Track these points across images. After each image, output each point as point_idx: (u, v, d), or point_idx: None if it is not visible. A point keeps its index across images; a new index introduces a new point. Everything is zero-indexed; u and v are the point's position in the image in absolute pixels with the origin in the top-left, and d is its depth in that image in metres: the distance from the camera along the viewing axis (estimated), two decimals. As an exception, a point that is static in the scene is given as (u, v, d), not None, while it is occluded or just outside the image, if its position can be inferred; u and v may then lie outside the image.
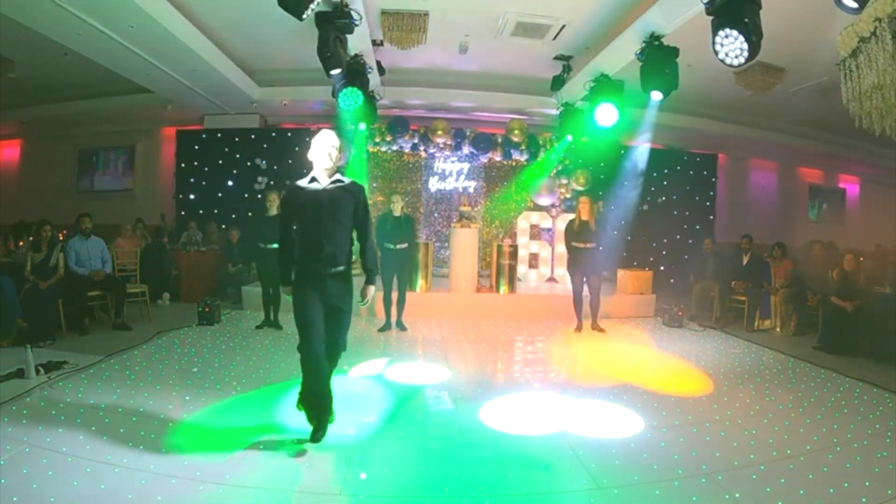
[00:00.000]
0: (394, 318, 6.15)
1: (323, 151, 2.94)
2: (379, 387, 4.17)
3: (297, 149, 9.29)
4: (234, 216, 8.97)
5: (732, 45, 4.13)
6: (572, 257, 6.23)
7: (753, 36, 3.98)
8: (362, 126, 8.22)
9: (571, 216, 8.66)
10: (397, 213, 6.02)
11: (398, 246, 5.93)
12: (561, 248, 8.61)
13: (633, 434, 3.33)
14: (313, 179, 2.98)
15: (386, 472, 2.75)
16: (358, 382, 4.24)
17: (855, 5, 3.34)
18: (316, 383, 2.97)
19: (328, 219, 2.91)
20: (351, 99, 6.23)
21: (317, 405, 3.00)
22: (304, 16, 4.30)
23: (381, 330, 6.00)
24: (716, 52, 4.23)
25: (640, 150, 9.10)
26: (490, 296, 7.39)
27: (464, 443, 3.18)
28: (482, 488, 2.60)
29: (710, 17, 4.20)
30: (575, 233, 6.19)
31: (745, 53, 4.07)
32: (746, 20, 3.96)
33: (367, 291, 3.12)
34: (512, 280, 7.42)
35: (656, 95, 5.58)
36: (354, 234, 3.09)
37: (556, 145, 8.98)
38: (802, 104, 7.85)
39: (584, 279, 6.17)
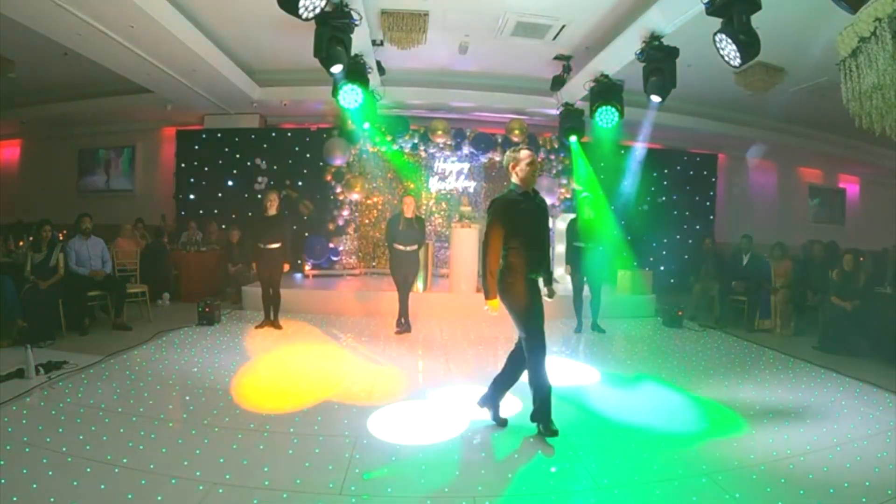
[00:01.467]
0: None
1: (532, 170, 3.19)
2: (382, 387, 4.17)
3: (296, 149, 9.31)
4: (234, 216, 8.96)
5: (728, 48, 4.17)
6: (574, 257, 6.21)
7: (741, 34, 4.01)
8: (367, 125, 8.24)
9: (571, 216, 8.72)
10: (409, 214, 5.87)
11: (409, 248, 5.89)
12: (561, 248, 8.60)
13: (633, 434, 3.34)
14: (524, 195, 3.20)
15: (386, 472, 2.75)
16: (363, 383, 4.24)
17: (849, 5, 3.36)
18: (546, 379, 3.15)
19: (545, 230, 3.30)
20: (351, 97, 6.23)
21: (547, 399, 3.17)
22: (305, 16, 4.28)
23: (400, 332, 5.96)
24: (721, 56, 4.27)
25: (638, 150, 9.09)
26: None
27: (464, 442, 3.18)
28: (482, 488, 2.61)
29: (715, 18, 4.22)
30: (577, 232, 6.19)
31: (738, 54, 4.10)
32: (733, 21, 4.00)
33: (554, 291, 3.42)
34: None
35: (655, 98, 5.60)
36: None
37: (570, 148, 8.96)
38: (802, 104, 7.85)
39: (585, 279, 6.17)
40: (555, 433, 3.11)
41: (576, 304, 6.28)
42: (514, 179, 3.23)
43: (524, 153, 3.21)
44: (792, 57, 6.13)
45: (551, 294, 3.36)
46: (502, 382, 3.34)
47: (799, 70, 6.52)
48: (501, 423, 3.34)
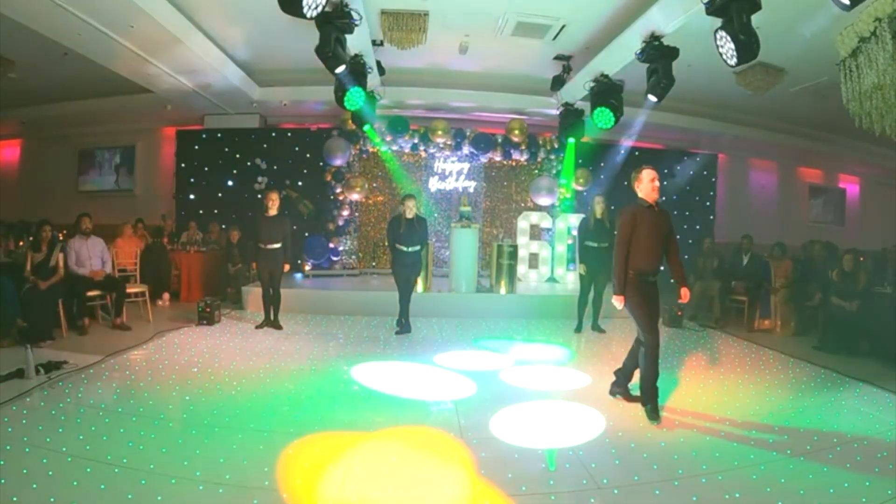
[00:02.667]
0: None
1: (652, 187, 3.62)
2: (382, 388, 4.17)
3: (296, 149, 9.32)
4: (234, 216, 8.97)
5: (727, 47, 4.16)
6: (585, 256, 6.19)
7: (741, 34, 4.01)
8: (377, 125, 8.25)
9: (572, 216, 8.71)
10: (409, 215, 5.88)
11: (410, 248, 5.89)
12: (561, 248, 8.60)
13: (633, 433, 3.34)
14: (648, 207, 3.64)
15: (386, 472, 2.75)
16: (363, 382, 4.24)
17: (846, 2, 3.35)
18: (654, 369, 3.59)
19: (664, 239, 3.67)
20: (354, 99, 6.23)
21: (653, 386, 3.60)
22: (309, 14, 4.27)
23: (400, 333, 5.95)
24: (720, 54, 4.26)
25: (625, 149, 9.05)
26: (490, 296, 7.39)
27: (465, 442, 3.18)
28: (482, 488, 2.60)
29: (713, 18, 4.22)
30: (590, 231, 6.16)
31: (737, 54, 4.10)
32: (733, 20, 4.00)
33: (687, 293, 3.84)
34: (512, 280, 7.42)
35: (652, 98, 5.60)
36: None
37: (566, 147, 8.99)
38: (802, 104, 7.85)
39: (592, 278, 6.13)
40: (655, 418, 3.52)
41: (580, 304, 6.25)
42: (640, 193, 3.67)
43: (645, 172, 3.66)
44: (792, 57, 6.13)
45: (685, 295, 3.77)
46: (624, 371, 3.88)
47: (799, 70, 6.52)
48: (634, 399, 3.78)
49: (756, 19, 4.07)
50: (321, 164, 8.90)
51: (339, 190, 8.89)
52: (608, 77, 6.52)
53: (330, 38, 4.93)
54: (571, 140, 8.43)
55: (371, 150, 9.05)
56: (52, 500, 2.33)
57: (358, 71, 6.20)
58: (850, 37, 3.70)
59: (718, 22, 4.22)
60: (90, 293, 5.78)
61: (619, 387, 3.92)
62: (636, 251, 3.60)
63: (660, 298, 3.70)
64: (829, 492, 2.61)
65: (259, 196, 8.66)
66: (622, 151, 9.44)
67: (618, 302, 3.62)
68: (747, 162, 11.06)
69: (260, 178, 9.26)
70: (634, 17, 5.34)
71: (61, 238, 6.48)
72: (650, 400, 3.58)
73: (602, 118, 6.46)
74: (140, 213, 8.98)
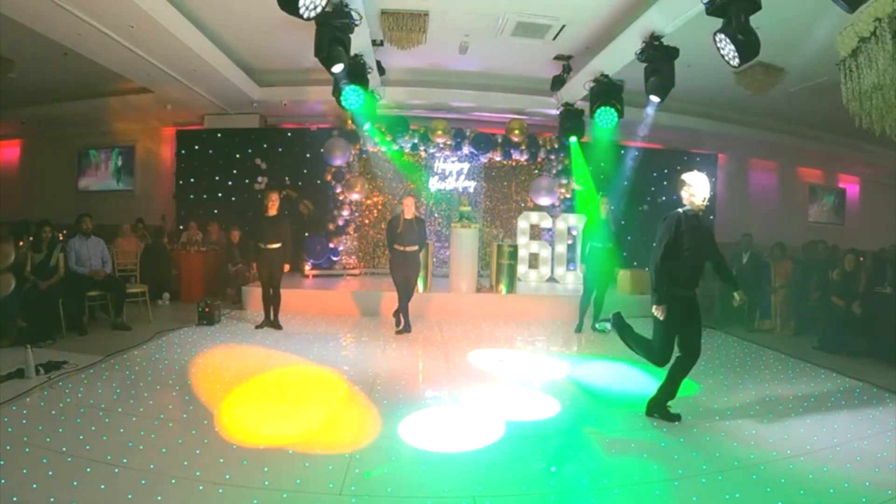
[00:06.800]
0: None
1: (705, 192, 3.50)
2: (382, 387, 4.16)
3: (296, 149, 9.31)
4: (234, 216, 8.96)
5: (728, 48, 4.17)
6: (589, 257, 6.18)
7: (739, 34, 4.00)
8: (367, 125, 8.23)
9: (571, 216, 8.72)
10: (408, 215, 5.85)
11: (409, 249, 5.86)
12: (561, 248, 8.60)
13: (633, 433, 3.33)
14: (694, 213, 3.49)
15: (386, 472, 2.75)
16: (363, 383, 4.23)
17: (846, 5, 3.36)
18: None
19: (707, 249, 3.56)
20: (352, 97, 6.22)
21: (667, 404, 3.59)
22: (307, 15, 4.27)
23: (400, 332, 5.93)
24: (722, 56, 4.26)
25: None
26: (490, 296, 7.38)
27: (465, 442, 3.18)
28: (482, 488, 2.61)
29: (713, 18, 4.21)
30: (593, 232, 6.16)
31: (738, 54, 4.10)
32: (732, 21, 4.00)
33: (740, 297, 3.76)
34: (512, 280, 7.42)
35: (655, 99, 5.59)
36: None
37: (570, 147, 8.97)
38: (802, 104, 7.85)
39: (596, 279, 6.12)
40: (674, 417, 3.52)
41: (582, 304, 6.24)
42: (685, 202, 3.59)
43: (695, 175, 3.59)
44: (792, 57, 6.13)
45: (741, 297, 3.72)
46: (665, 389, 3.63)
47: (799, 70, 6.51)
48: (676, 417, 3.55)
49: (756, 19, 4.07)
50: (321, 164, 8.90)
51: (339, 190, 8.89)
52: (608, 77, 6.52)
53: (325, 40, 4.92)
54: (574, 140, 8.40)
55: (371, 149, 9.01)
56: (52, 500, 2.33)
57: (358, 71, 6.20)
58: (850, 37, 3.69)
59: (719, 22, 4.22)
60: (90, 293, 5.78)
61: (656, 409, 3.64)
62: (681, 263, 3.54)
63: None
64: (829, 492, 2.61)
65: (259, 196, 8.65)
66: (622, 152, 9.44)
67: (658, 311, 3.59)
68: (747, 162, 11.05)
69: (260, 178, 9.26)
70: (634, 17, 5.34)
71: (61, 238, 6.48)
72: (657, 410, 3.56)
73: (605, 117, 6.45)
74: (140, 213, 9.00)
